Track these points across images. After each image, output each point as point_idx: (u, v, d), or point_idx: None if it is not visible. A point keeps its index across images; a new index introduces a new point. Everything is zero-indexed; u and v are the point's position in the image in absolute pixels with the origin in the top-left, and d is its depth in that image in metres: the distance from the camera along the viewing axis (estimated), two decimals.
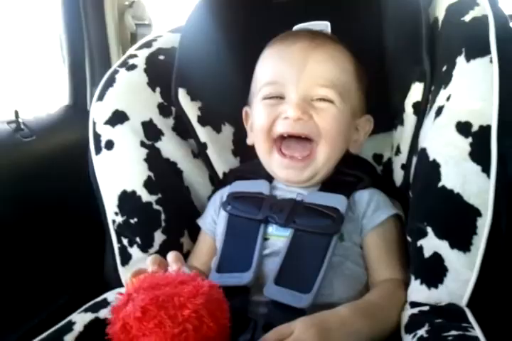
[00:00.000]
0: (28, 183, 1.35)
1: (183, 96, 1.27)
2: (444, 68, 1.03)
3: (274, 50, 1.18)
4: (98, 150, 1.21)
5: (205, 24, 1.30)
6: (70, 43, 1.67)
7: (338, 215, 1.06)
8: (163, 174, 1.22)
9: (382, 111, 1.21)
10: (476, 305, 0.91)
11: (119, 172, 1.20)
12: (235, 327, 0.88)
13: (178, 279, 0.84)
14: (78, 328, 1.00)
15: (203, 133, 1.28)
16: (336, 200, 1.09)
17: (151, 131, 1.24)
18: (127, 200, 1.19)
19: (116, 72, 1.27)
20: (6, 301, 1.24)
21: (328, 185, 1.15)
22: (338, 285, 1.02)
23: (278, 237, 1.08)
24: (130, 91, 1.25)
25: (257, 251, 1.06)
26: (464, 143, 0.94)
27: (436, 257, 0.94)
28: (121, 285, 1.17)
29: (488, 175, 0.92)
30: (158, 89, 1.27)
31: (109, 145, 1.21)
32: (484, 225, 0.90)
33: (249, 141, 1.23)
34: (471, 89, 0.96)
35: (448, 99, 0.99)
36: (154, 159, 1.22)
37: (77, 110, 1.67)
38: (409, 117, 1.13)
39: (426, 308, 0.94)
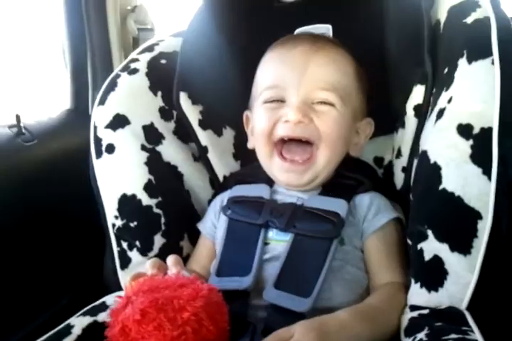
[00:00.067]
0: (29, 187, 1.35)
1: (184, 100, 1.27)
2: (446, 70, 1.03)
3: (275, 54, 1.17)
4: (99, 154, 1.21)
5: (207, 28, 1.30)
6: (72, 47, 1.67)
7: (339, 220, 1.05)
8: (163, 177, 1.22)
9: (383, 114, 1.20)
10: (476, 309, 0.91)
11: (119, 175, 1.20)
12: (234, 331, 0.88)
13: (177, 282, 0.84)
14: (76, 332, 0.99)
15: (204, 136, 1.28)
16: (337, 205, 1.08)
17: (152, 135, 1.24)
18: (127, 204, 1.18)
19: (118, 76, 1.27)
20: (7, 304, 1.24)
21: (328, 188, 1.14)
22: (338, 289, 1.01)
23: (278, 242, 1.08)
24: (131, 95, 1.26)
25: (257, 256, 1.06)
26: (465, 146, 0.93)
27: (437, 260, 0.93)
28: (120, 288, 1.16)
29: (489, 178, 0.91)
30: (159, 93, 1.27)
31: (110, 149, 1.21)
32: (485, 228, 0.90)
33: (249, 145, 1.23)
34: (472, 91, 0.96)
35: (449, 101, 0.98)
36: (155, 163, 1.22)
37: (79, 114, 1.67)
38: (411, 120, 1.13)
39: (426, 311, 0.93)
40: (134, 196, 1.18)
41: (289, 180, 1.12)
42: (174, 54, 1.31)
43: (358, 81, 1.15)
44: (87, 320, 1.03)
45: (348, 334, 0.89)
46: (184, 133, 1.28)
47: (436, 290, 0.93)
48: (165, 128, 1.26)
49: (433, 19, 1.13)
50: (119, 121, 1.22)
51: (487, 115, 0.93)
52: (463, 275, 0.91)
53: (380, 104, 1.20)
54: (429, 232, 0.94)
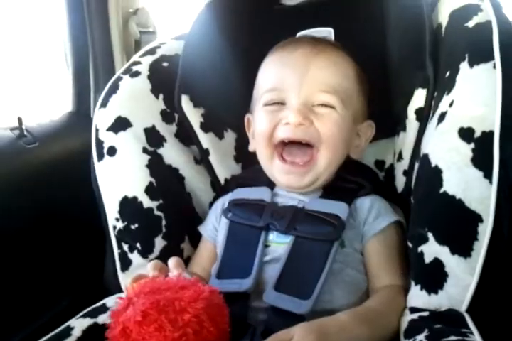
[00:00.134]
0: (31, 189, 1.35)
1: (186, 102, 1.28)
2: (448, 74, 1.03)
3: (276, 57, 1.18)
4: (100, 157, 1.22)
5: (209, 31, 1.31)
6: (74, 50, 1.67)
7: (340, 222, 1.05)
8: (164, 180, 1.22)
9: (384, 117, 1.20)
10: (475, 311, 0.91)
11: (120, 178, 1.20)
12: (234, 333, 0.88)
13: (178, 284, 0.84)
14: (76, 333, 0.99)
15: (206, 139, 1.29)
16: (337, 207, 1.08)
17: (153, 138, 1.24)
18: (128, 206, 1.19)
19: (119, 78, 1.28)
20: (8, 306, 1.24)
21: (329, 191, 1.14)
22: (338, 291, 1.02)
23: (279, 244, 1.08)
24: (133, 98, 1.26)
25: (257, 258, 1.06)
26: (467, 149, 0.93)
27: (437, 263, 0.93)
28: (120, 290, 1.16)
29: (490, 181, 0.91)
30: (161, 96, 1.28)
31: (112, 151, 1.21)
32: (485, 231, 0.90)
33: (251, 148, 1.23)
34: (474, 94, 0.96)
35: (451, 104, 0.98)
36: (156, 165, 1.22)
37: (81, 117, 1.67)
38: (412, 123, 1.13)
39: (425, 314, 0.93)
40: (135, 198, 1.18)
41: (290, 181, 1.12)
42: (176, 57, 1.32)
43: (358, 83, 1.16)
44: (87, 321, 1.03)
45: (347, 336, 0.89)
46: (185, 136, 1.29)
47: (436, 293, 0.93)
48: (166, 131, 1.26)
49: (434, 23, 1.13)
50: (120, 124, 1.22)
51: (488, 119, 0.93)
52: (463, 277, 0.91)
53: (382, 108, 1.20)
54: (430, 235, 0.94)
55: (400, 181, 1.18)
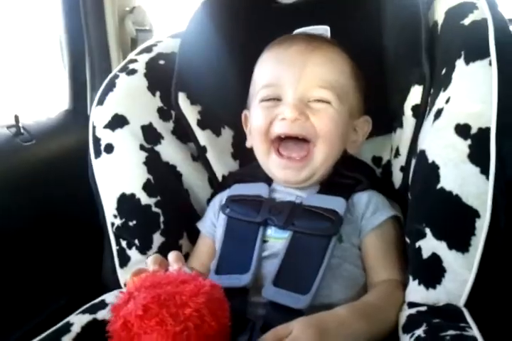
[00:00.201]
0: (28, 187, 1.35)
1: (183, 100, 1.28)
2: (444, 71, 1.04)
3: (272, 53, 1.18)
4: (98, 154, 1.22)
5: (205, 29, 1.31)
6: (71, 48, 1.67)
7: (337, 217, 1.06)
8: (162, 177, 1.23)
9: (381, 114, 1.21)
10: (473, 305, 0.91)
11: (118, 175, 1.21)
12: (234, 328, 0.88)
13: (179, 278, 0.84)
14: (76, 329, 0.99)
15: (203, 136, 1.29)
16: (335, 203, 1.09)
17: (150, 135, 1.24)
18: (126, 203, 1.19)
19: (116, 76, 1.28)
20: (6, 303, 1.24)
21: (326, 187, 1.15)
22: (336, 286, 1.02)
23: (277, 239, 1.08)
24: (130, 96, 1.26)
25: (256, 253, 1.06)
26: (463, 145, 0.94)
27: (435, 258, 0.94)
28: (119, 287, 1.17)
29: (487, 177, 0.92)
30: (158, 94, 1.28)
31: (109, 148, 1.21)
32: (483, 226, 0.90)
33: (248, 144, 1.23)
34: (470, 91, 0.97)
35: (447, 101, 0.99)
36: (153, 162, 1.22)
37: (77, 115, 1.67)
38: (409, 120, 1.14)
39: (424, 308, 0.94)
40: (133, 195, 1.19)
41: (287, 176, 1.13)
42: (172, 55, 1.32)
43: (354, 80, 1.16)
44: (87, 317, 1.03)
45: (346, 331, 0.90)
46: (183, 133, 1.29)
47: (434, 288, 0.94)
48: (163, 128, 1.27)
49: (430, 21, 1.14)
50: (117, 121, 1.22)
51: (485, 115, 0.94)
52: (461, 272, 0.91)
53: (378, 104, 1.21)
54: (428, 230, 0.95)
55: (397, 177, 1.18)
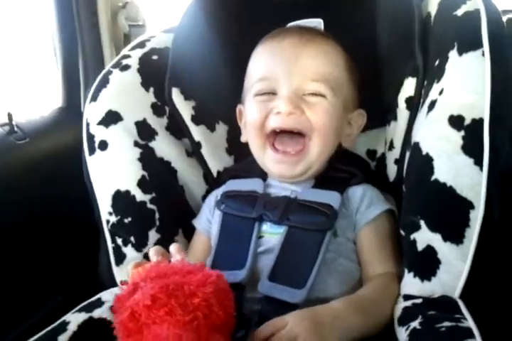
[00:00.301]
0: (22, 185, 1.35)
1: (176, 95, 1.28)
2: (437, 62, 1.03)
3: (266, 47, 1.18)
4: (92, 151, 1.21)
5: (199, 24, 1.31)
6: (63, 45, 1.67)
7: (332, 212, 1.06)
8: (157, 173, 1.22)
9: (375, 107, 1.21)
10: (468, 297, 0.91)
11: (112, 172, 1.20)
12: None
13: (184, 269, 0.84)
14: (72, 328, 0.99)
15: (197, 132, 1.29)
16: (330, 197, 1.09)
17: (144, 131, 1.24)
18: (121, 200, 1.18)
19: (109, 72, 1.27)
20: (3, 302, 1.24)
21: (321, 181, 1.15)
22: (332, 280, 1.02)
23: (272, 235, 1.08)
24: (123, 92, 1.26)
25: (251, 249, 1.06)
26: (457, 137, 0.94)
27: (430, 250, 0.94)
28: (115, 284, 1.16)
29: (481, 168, 0.92)
30: (151, 89, 1.27)
31: (103, 145, 1.21)
32: (477, 218, 0.90)
33: (243, 139, 1.23)
34: (463, 82, 0.97)
35: (440, 93, 0.99)
36: (148, 158, 1.22)
37: (71, 112, 1.67)
38: (403, 112, 1.14)
39: (419, 301, 0.94)
40: (127, 192, 1.18)
41: (282, 171, 1.12)
42: (166, 50, 1.31)
43: (349, 72, 1.16)
44: (83, 316, 1.03)
45: (341, 324, 0.90)
46: (177, 128, 1.29)
47: (429, 280, 0.94)
48: (157, 124, 1.26)
49: (424, 12, 1.14)
50: (111, 118, 1.22)
51: (478, 106, 0.94)
52: (455, 264, 0.91)
53: (372, 97, 1.20)
54: (422, 223, 0.95)
55: (392, 170, 1.18)
